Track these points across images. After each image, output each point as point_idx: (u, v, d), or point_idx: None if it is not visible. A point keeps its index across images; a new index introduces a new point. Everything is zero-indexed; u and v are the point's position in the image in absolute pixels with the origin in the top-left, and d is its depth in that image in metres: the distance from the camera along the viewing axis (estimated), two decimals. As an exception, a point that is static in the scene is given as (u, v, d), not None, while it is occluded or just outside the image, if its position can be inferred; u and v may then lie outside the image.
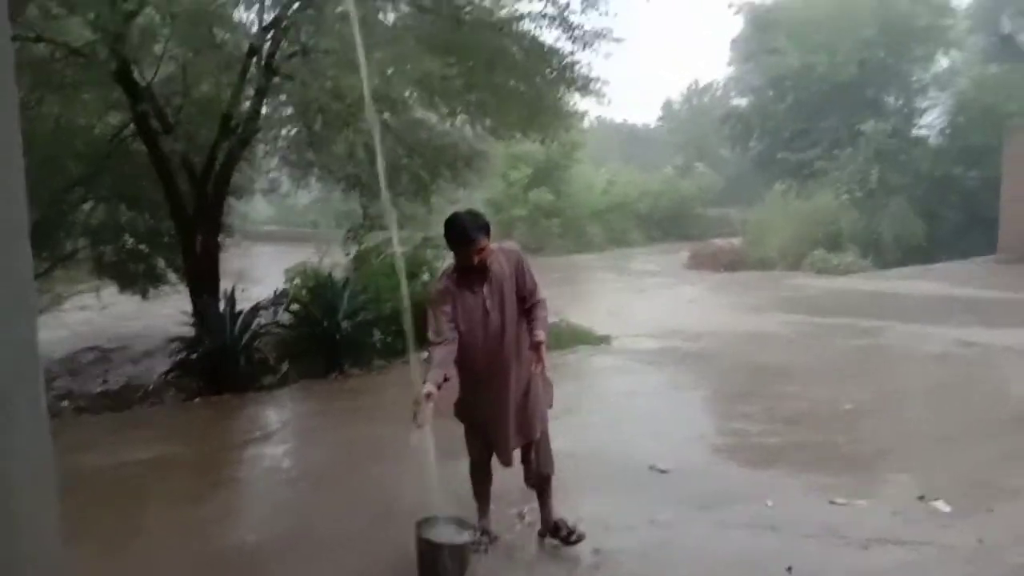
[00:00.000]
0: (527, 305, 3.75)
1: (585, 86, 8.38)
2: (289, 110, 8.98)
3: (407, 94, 8.51)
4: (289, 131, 9.49)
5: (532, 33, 8.10)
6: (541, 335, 3.62)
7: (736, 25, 25.95)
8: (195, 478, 5.57)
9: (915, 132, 22.58)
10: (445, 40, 7.47)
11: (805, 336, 10.10)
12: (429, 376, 3.48)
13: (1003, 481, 4.76)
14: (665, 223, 27.93)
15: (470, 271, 3.63)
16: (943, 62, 24.57)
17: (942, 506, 4.43)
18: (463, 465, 4.02)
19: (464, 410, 3.91)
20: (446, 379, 3.54)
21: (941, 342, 9.30)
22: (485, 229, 3.57)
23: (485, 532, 3.97)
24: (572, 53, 8.10)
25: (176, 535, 4.47)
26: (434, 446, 3.45)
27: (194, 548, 4.26)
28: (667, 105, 41.31)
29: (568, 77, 8.22)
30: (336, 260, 10.64)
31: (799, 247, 18.26)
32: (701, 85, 38.76)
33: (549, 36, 8.33)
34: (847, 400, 6.79)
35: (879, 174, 19.74)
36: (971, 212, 19.19)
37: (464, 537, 3.63)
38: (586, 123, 16.65)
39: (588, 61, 8.53)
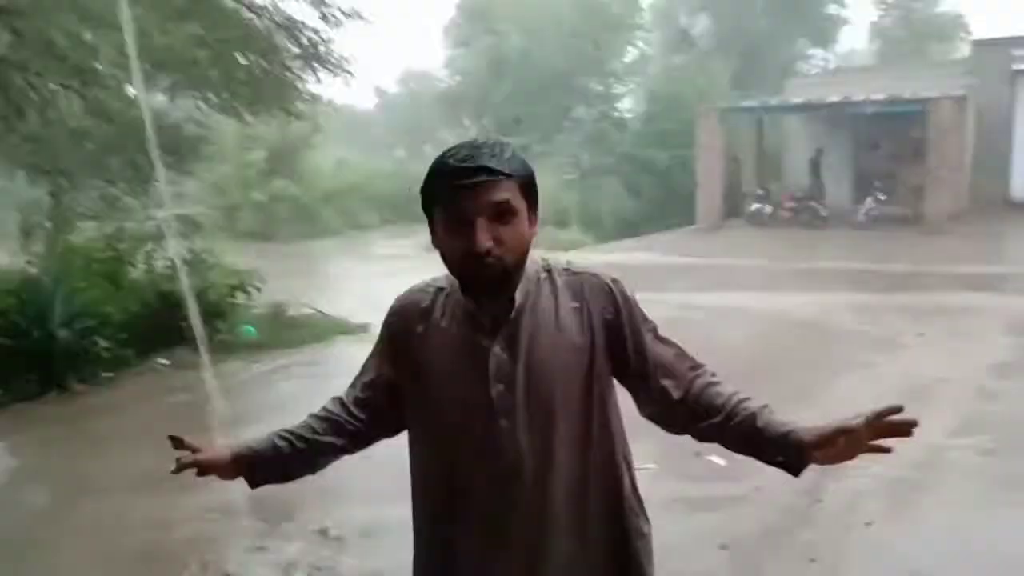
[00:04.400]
0: (680, 392, 1.69)
1: (338, 66, 7.93)
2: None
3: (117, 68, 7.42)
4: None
5: (277, 4, 7.50)
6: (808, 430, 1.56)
7: (448, 12, 26.62)
8: None
9: (617, 115, 24.81)
10: (179, 8, 6.57)
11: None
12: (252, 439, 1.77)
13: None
14: (399, 206, 27.85)
15: (475, 296, 1.61)
16: (633, 52, 27.26)
17: (717, 460, 4.83)
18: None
19: None
20: (267, 459, 1.74)
21: (668, 307, 10.22)
22: (520, 173, 1.55)
23: None
24: (317, 32, 7.63)
25: None
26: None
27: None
28: (380, 91, 41.73)
29: (318, 55, 7.67)
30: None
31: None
32: (417, 71, 39.29)
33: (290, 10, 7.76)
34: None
35: (591, 156, 21.46)
36: (667, 189, 21.58)
37: None
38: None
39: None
